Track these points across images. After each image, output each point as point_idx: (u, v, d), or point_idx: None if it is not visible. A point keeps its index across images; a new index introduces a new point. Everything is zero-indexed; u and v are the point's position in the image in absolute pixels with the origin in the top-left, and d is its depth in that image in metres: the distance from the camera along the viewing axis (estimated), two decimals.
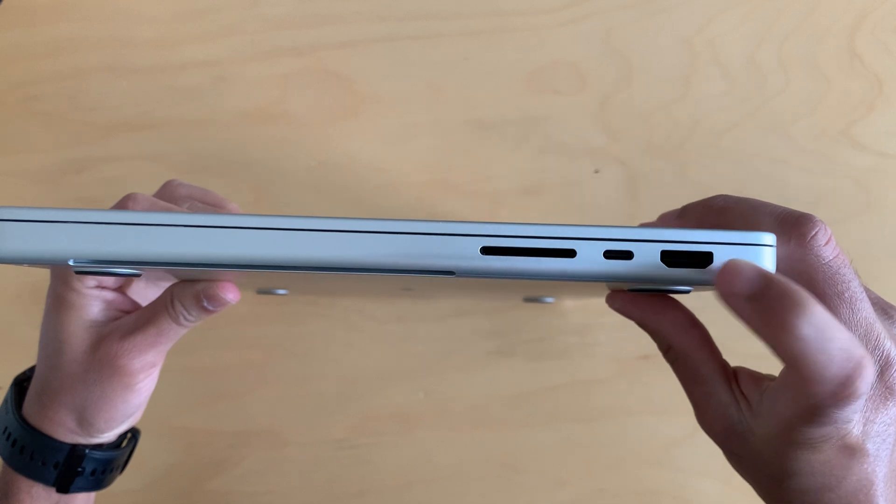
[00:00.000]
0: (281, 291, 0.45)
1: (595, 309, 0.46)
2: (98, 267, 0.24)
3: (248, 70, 0.48)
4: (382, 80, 0.48)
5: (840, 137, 0.47)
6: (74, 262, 0.24)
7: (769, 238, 0.24)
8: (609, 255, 0.24)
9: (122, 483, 0.46)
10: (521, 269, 0.24)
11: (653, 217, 0.47)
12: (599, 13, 0.48)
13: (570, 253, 0.24)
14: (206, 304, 0.30)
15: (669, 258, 0.24)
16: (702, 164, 0.47)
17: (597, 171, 0.47)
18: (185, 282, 0.31)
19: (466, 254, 0.24)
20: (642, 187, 0.47)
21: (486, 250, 0.24)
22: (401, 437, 0.46)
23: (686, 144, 0.47)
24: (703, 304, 0.46)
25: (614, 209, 0.47)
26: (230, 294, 0.30)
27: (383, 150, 0.47)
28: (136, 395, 0.33)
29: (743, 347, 0.47)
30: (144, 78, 0.48)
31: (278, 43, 0.48)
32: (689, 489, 0.46)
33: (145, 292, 0.36)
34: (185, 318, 0.31)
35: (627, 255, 0.24)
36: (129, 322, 0.32)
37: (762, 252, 0.24)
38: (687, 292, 0.26)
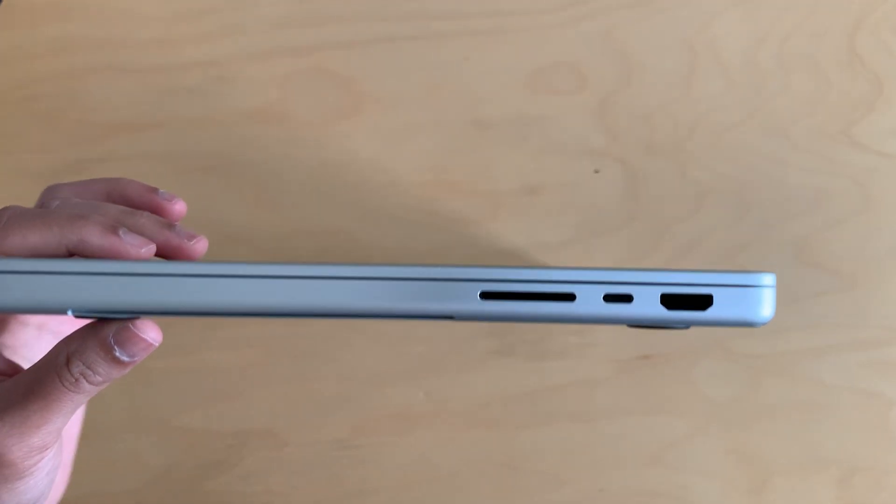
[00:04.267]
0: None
1: None
2: (99, 315, 0.24)
3: (248, 70, 0.48)
4: (382, 80, 0.48)
5: (840, 137, 0.47)
6: (73, 312, 0.24)
7: (769, 279, 0.24)
8: (609, 298, 0.24)
9: (122, 483, 0.46)
10: (520, 313, 0.24)
11: (653, 217, 0.47)
12: (600, 13, 0.48)
13: (570, 297, 0.24)
14: (118, 353, 0.24)
15: (669, 301, 0.24)
16: (702, 164, 0.47)
17: (597, 171, 0.47)
18: (83, 329, 0.25)
19: (465, 299, 0.24)
20: (642, 187, 0.47)
21: (486, 295, 0.24)
22: (401, 437, 0.46)
23: (686, 144, 0.47)
24: None
25: (614, 209, 0.47)
26: (151, 332, 0.24)
27: (383, 150, 0.47)
28: (30, 481, 0.25)
29: (742, 347, 0.47)
30: (144, 78, 0.48)
31: (278, 43, 0.48)
32: (689, 489, 0.46)
33: (34, 343, 0.29)
34: (89, 382, 0.24)
35: (627, 299, 0.24)
36: (1, 394, 0.25)
37: (762, 293, 0.24)
38: (686, 328, 0.26)
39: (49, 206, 0.27)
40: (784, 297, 0.46)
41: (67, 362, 0.24)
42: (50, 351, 0.25)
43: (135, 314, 0.24)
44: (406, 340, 0.47)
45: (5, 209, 0.25)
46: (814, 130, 0.47)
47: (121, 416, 0.46)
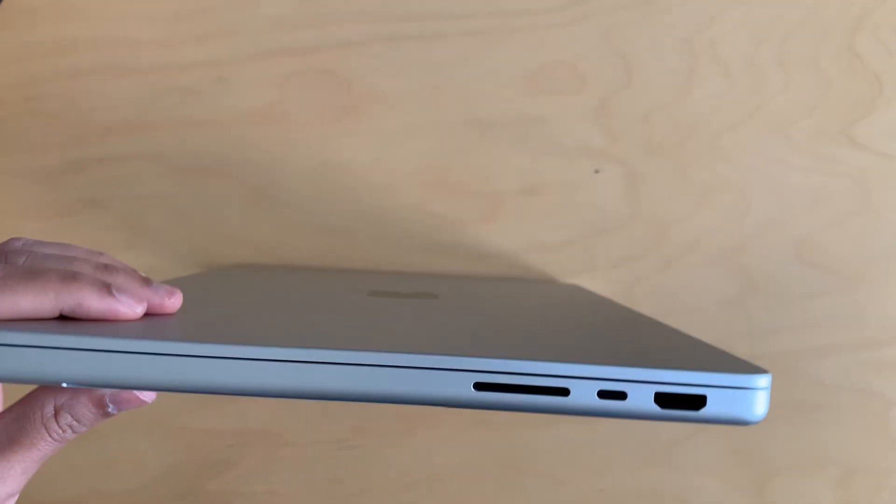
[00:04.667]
0: None
1: None
2: (93, 386, 0.24)
3: (248, 70, 0.48)
4: (382, 80, 0.48)
5: (840, 137, 0.47)
6: (68, 384, 0.24)
7: (764, 380, 0.24)
8: (603, 394, 0.24)
9: (122, 483, 0.46)
10: (513, 404, 0.24)
11: (653, 217, 0.47)
12: (599, 13, 0.48)
13: (564, 391, 0.24)
14: (111, 409, 0.24)
15: (663, 400, 0.24)
16: (702, 164, 0.47)
17: (597, 171, 0.47)
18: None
19: (458, 390, 0.24)
20: (642, 187, 0.47)
21: (479, 386, 0.24)
22: (401, 437, 0.46)
23: (686, 144, 0.47)
24: (700, 305, 0.46)
25: (614, 209, 0.47)
26: (149, 394, 0.25)
27: (383, 150, 0.47)
28: None
29: (744, 348, 0.47)
30: (144, 78, 0.47)
31: (278, 43, 0.48)
32: (689, 489, 0.46)
33: None
34: (75, 432, 0.24)
35: (621, 396, 0.24)
36: None
37: (756, 395, 0.24)
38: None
39: (14, 257, 0.26)
40: (784, 297, 0.46)
41: (56, 415, 0.24)
42: (31, 397, 0.24)
43: (127, 388, 0.24)
44: None
45: None
46: (814, 130, 0.47)
47: (121, 416, 0.46)
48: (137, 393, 0.24)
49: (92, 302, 0.24)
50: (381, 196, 0.47)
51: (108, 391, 0.24)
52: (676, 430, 0.46)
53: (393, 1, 0.48)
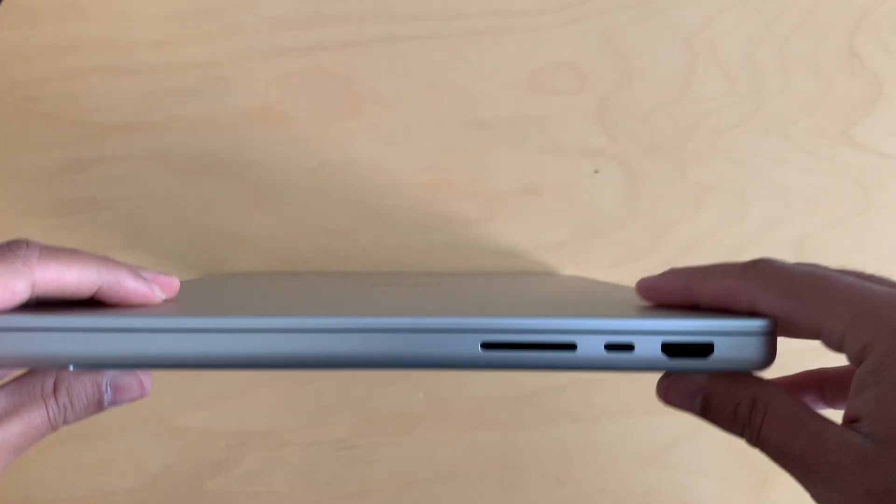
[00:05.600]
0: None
1: None
2: (100, 367, 0.24)
3: (248, 70, 0.48)
4: (382, 80, 0.48)
5: (840, 137, 0.47)
6: (74, 367, 0.24)
7: (770, 326, 0.24)
8: (610, 347, 0.24)
9: (122, 483, 0.46)
10: (521, 362, 0.24)
11: (653, 217, 0.47)
12: (599, 13, 0.48)
13: (571, 346, 0.24)
14: (106, 396, 0.24)
15: (670, 349, 0.24)
16: (702, 164, 0.47)
17: (597, 171, 0.47)
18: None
19: (466, 350, 0.24)
20: (642, 187, 0.47)
21: (487, 346, 0.24)
22: (401, 437, 0.46)
23: (686, 144, 0.47)
24: None
25: (614, 209, 0.47)
26: (147, 383, 0.25)
27: (383, 150, 0.47)
28: None
29: None
30: (144, 78, 0.47)
31: (278, 43, 0.48)
32: (689, 489, 0.46)
33: None
34: (67, 418, 0.24)
35: (628, 348, 0.24)
36: None
37: (763, 341, 0.24)
38: None
39: (15, 249, 0.26)
40: None
41: (55, 392, 0.24)
42: (32, 374, 0.24)
43: (136, 368, 0.24)
44: None
45: (22, 241, 0.25)
46: (814, 130, 0.47)
47: (121, 416, 0.46)
48: (136, 381, 0.25)
49: (129, 282, 0.25)
50: (381, 196, 0.47)
51: (108, 375, 0.25)
52: (676, 431, 0.46)
53: (393, 1, 0.48)
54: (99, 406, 0.25)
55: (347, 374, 0.46)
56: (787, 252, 0.46)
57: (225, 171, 0.47)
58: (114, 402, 0.25)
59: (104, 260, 0.25)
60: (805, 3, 0.47)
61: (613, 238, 0.47)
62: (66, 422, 0.24)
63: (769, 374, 0.26)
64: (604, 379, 0.46)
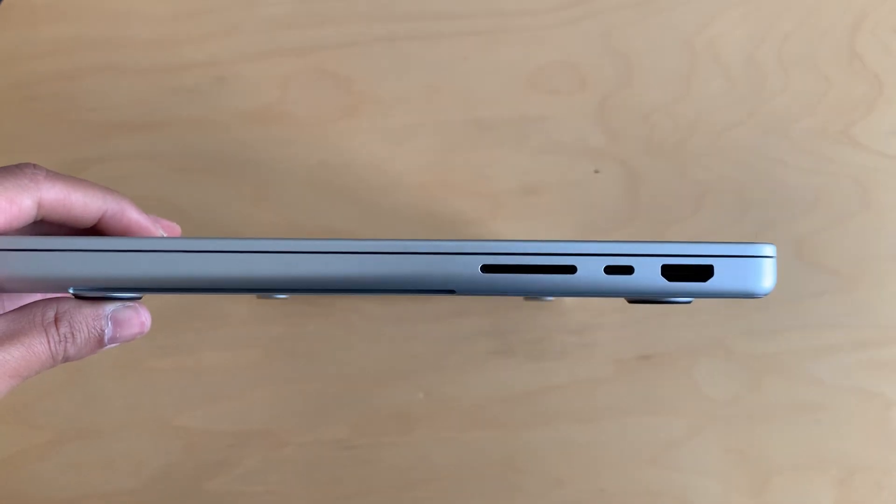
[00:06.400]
0: (281, 296, 0.45)
1: (595, 308, 0.46)
2: (99, 293, 0.24)
3: (248, 70, 0.48)
4: (382, 80, 0.48)
5: (840, 137, 0.47)
6: (74, 290, 0.24)
7: (770, 249, 0.24)
8: (609, 270, 0.24)
9: (121, 483, 0.46)
10: (521, 285, 0.24)
11: (653, 217, 0.47)
12: (599, 13, 0.48)
13: (571, 269, 0.24)
14: (106, 331, 0.24)
15: (670, 272, 0.24)
16: (702, 164, 0.47)
17: (597, 171, 0.47)
18: (69, 299, 0.24)
19: (466, 273, 0.24)
20: (642, 187, 0.47)
21: (487, 268, 0.24)
22: (401, 437, 0.46)
23: (686, 144, 0.47)
24: (700, 305, 0.46)
25: (614, 209, 0.47)
26: (147, 319, 0.25)
27: (383, 150, 0.47)
28: None
29: (742, 347, 0.47)
30: (144, 78, 0.48)
31: (278, 43, 0.48)
32: (689, 489, 0.46)
33: None
34: (67, 350, 0.24)
35: (628, 271, 0.24)
36: None
37: (763, 264, 0.24)
38: (688, 302, 0.26)
39: (23, 168, 0.26)
40: (784, 297, 0.46)
41: (56, 321, 0.24)
42: (31, 306, 0.24)
43: (137, 292, 0.24)
44: (406, 340, 0.47)
45: (30, 163, 0.25)
46: (814, 130, 0.47)
47: (121, 416, 0.46)
48: (142, 317, 0.25)
49: (132, 212, 0.26)
50: (380, 196, 0.47)
51: (108, 308, 0.24)
52: (676, 431, 0.46)
53: (393, 1, 0.48)
54: (99, 342, 0.24)
55: (347, 374, 0.46)
56: (787, 252, 0.46)
57: (225, 171, 0.47)
58: (114, 339, 0.24)
59: (110, 189, 0.26)
60: (805, 3, 0.47)
61: (613, 238, 0.47)
62: (66, 355, 0.24)
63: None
64: (603, 379, 0.46)
